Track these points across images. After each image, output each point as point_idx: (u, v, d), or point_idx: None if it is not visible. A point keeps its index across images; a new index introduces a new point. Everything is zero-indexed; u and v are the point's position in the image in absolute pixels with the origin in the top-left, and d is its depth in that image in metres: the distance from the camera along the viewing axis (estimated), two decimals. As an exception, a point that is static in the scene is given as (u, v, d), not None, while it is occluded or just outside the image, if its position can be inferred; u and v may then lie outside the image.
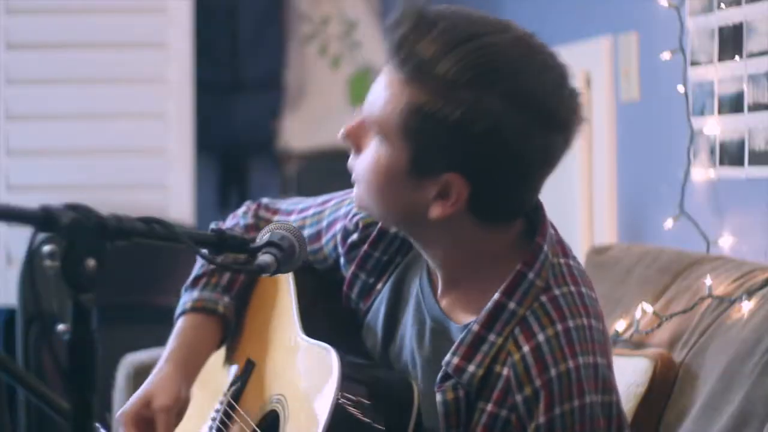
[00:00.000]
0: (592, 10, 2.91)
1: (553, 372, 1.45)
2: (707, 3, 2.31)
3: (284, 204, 1.85)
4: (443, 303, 1.58)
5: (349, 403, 1.52)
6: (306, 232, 1.71)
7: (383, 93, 1.49)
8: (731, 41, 2.23)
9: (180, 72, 3.52)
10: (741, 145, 2.21)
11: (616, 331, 2.17)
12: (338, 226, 1.72)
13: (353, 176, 1.56)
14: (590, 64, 2.87)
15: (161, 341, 1.81)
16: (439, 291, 1.59)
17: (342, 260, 1.73)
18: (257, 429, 1.66)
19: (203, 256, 1.44)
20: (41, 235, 1.20)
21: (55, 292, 1.22)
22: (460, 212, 1.49)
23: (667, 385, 1.96)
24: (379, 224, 1.64)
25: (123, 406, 1.68)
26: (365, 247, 1.67)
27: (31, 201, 1.28)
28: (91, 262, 1.18)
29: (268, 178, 3.95)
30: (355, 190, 1.57)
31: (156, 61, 3.53)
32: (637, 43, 2.66)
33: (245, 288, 1.79)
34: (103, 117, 3.53)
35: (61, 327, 1.19)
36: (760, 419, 1.73)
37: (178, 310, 1.76)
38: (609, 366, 1.52)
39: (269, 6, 3.96)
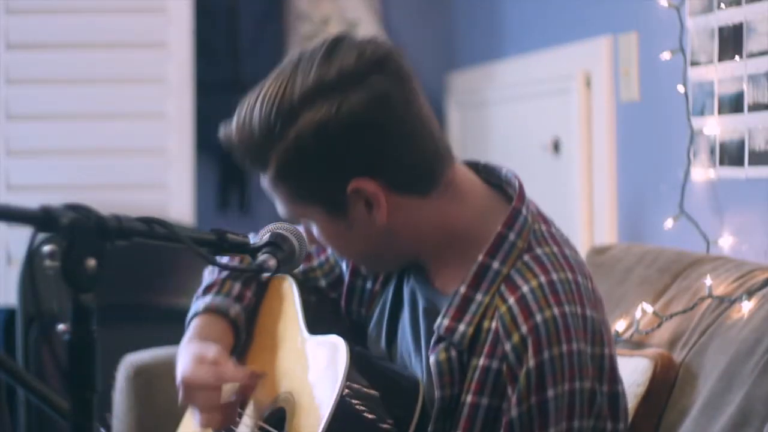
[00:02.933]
0: (592, 10, 2.91)
1: (538, 317, 1.47)
2: (707, 3, 2.31)
3: None
4: (437, 284, 1.60)
5: (355, 391, 1.52)
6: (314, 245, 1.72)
7: (273, 196, 1.57)
8: (731, 41, 2.23)
9: (180, 72, 3.52)
10: (741, 145, 2.21)
11: (616, 331, 2.17)
12: None
13: None
14: (590, 64, 2.87)
15: (161, 341, 1.80)
16: (432, 275, 1.61)
17: (344, 266, 1.75)
18: (263, 424, 1.66)
19: (203, 256, 1.44)
20: (41, 235, 1.20)
21: (55, 292, 1.23)
22: (398, 203, 1.52)
23: (667, 385, 1.96)
24: None
25: (123, 405, 1.67)
26: None
27: (31, 201, 1.28)
28: (91, 262, 1.19)
29: (268, 178, 3.94)
30: None
31: (156, 61, 3.53)
32: (637, 43, 2.66)
33: (254, 306, 1.79)
34: (103, 117, 3.52)
35: (61, 327, 1.19)
36: (760, 419, 1.73)
37: (190, 314, 1.76)
38: (602, 321, 1.54)
39: (269, 6, 3.96)
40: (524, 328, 1.46)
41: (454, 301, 1.52)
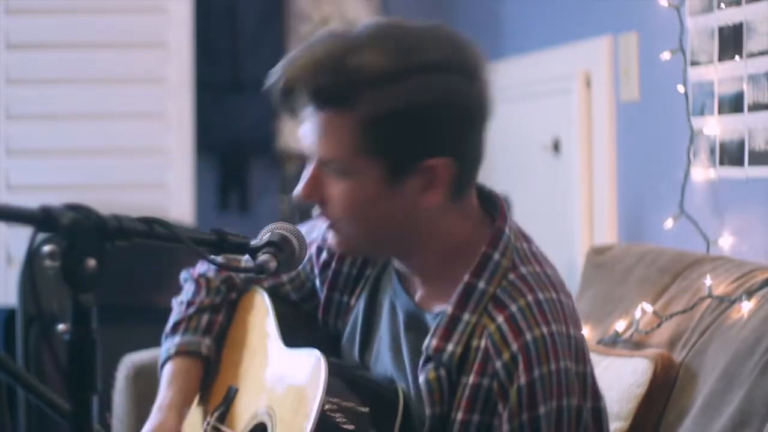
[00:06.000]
0: (592, 10, 2.91)
1: (528, 336, 1.49)
2: (707, 3, 2.31)
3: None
4: (417, 298, 1.62)
5: (335, 401, 1.54)
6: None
7: (323, 137, 1.51)
8: (731, 41, 2.23)
9: (180, 72, 3.52)
10: (741, 145, 2.21)
11: (616, 331, 2.17)
12: (312, 249, 1.75)
13: (330, 225, 1.58)
14: (590, 64, 2.87)
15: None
16: (412, 288, 1.63)
17: (317, 281, 1.77)
18: None
19: (203, 256, 1.44)
20: (41, 235, 1.20)
21: (55, 292, 1.22)
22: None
23: (667, 385, 1.96)
24: None
25: (123, 405, 1.68)
26: (334, 264, 1.72)
27: (31, 201, 1.28)
28: (91, 262, 1.18)
29: (268, 178, 3.95)
30: (334, 237, 1.59)
31: (156, 61, 3.53)
32: (637, 43, 2.66)
33: (224, 327, 1.83)
34: (103, 117, 3.52)
35: (61, 327, 1.19)
36: (760, 419, 1.73)
37: (162, 356, 1.80)
38: (583, 340, 1.57)
39: (269, 6, 3.96)
40: (515, 346, 1.49)
41: (442, 321, 1.54)
